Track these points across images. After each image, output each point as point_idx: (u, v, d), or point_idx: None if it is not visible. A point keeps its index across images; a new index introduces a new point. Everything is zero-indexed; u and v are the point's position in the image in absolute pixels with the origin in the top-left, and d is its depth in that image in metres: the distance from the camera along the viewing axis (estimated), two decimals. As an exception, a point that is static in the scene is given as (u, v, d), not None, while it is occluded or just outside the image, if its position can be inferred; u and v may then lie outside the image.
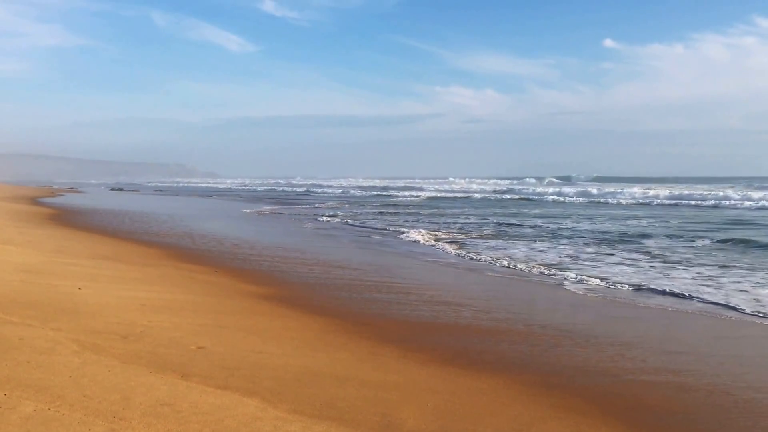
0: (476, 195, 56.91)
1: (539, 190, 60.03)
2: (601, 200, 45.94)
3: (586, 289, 10.70)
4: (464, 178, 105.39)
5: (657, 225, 24.21)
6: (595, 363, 6.32)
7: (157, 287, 9.08)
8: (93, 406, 4.04)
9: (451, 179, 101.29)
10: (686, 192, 47.14)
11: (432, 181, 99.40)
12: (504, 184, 77.53)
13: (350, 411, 4.49)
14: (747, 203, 37.32)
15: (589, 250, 16.36)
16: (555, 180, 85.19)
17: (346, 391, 4.95)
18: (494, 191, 61.93)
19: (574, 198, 49.13)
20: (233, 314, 7.69)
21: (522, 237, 19.88)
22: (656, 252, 15.71)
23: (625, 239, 18.89)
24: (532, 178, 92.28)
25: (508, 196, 54.12)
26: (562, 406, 4.99)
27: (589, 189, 55.37)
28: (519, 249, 16.50)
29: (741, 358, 6.76)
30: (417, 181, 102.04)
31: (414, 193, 62.58)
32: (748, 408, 5.16)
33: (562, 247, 17.02)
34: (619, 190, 50.78)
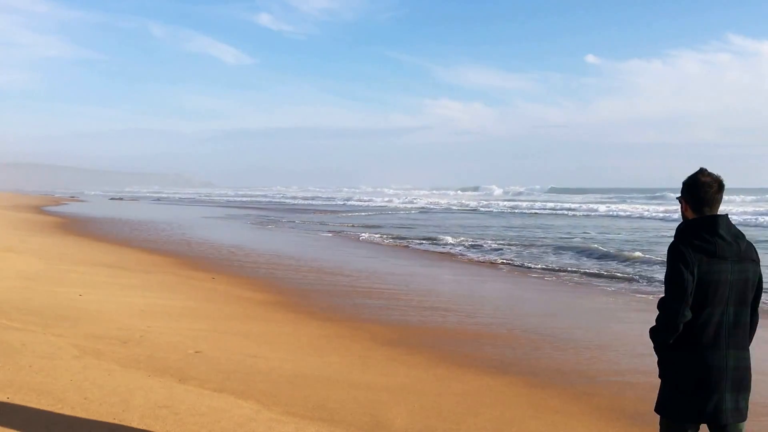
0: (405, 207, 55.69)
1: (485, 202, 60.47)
2: (526, 211, 44.78)
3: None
4: (431, 190, 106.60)
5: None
6: (573, 365, 6.54)
7: (155, 293, 9.27)
8: (93, 408, 4.22)
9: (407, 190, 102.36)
10: (622, 206, 46.16)
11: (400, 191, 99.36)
12: (463, 195, 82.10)
13: (341, 412, 4.68)
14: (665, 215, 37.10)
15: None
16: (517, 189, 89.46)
17: (337, 393, 5.14)
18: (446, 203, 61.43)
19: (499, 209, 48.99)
20: (229, 319, 7.88)
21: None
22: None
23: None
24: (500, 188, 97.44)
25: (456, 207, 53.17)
26: (541, 406, 5.20)
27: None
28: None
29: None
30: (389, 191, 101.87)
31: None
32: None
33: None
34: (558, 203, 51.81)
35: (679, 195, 3.01)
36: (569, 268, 14.22)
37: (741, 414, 2.85)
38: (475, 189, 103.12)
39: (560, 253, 17.07)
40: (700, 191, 2.88)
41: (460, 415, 4.81)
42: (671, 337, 2.83)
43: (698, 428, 2.91)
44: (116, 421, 4.05)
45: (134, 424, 4.03)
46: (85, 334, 6.30)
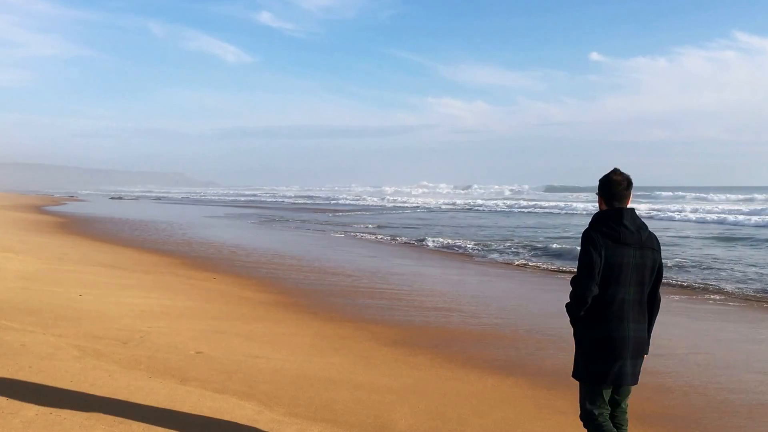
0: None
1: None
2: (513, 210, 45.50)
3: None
4: (434, 188, 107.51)
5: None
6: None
7: (156, 294, 9.22)
8: (94, 410, 4.18)
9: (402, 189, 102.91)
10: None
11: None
12: (464, 194, 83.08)
13: (345, 413, 4.64)
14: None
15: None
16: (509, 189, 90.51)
17: (341, 394, 5.10)
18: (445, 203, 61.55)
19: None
20: (231, 320, 7.83)
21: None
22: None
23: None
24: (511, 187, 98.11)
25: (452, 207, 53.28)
26: (547, 407, 5.15)
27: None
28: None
29: (715, 360, 6.94)
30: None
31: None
32: (722, 408, 5.35)
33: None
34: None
35: (597, 191, 3.48)
36: (568, 268, 14.17)
37: (636, 378, 3.39)
38: (467, 187, 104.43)
39: (561, 253, 17.02)
40: (612, 188, 3.38)
41: (464, 417, 4.77)
42: (582, 309, 3.29)
43: (609, 389, 3.37)
44: (116, 423, 4.01)
45: (135, 426, 4.00)
46: (85, 334, 6.26)
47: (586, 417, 3.42)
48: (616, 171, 3.43)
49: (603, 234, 3.27)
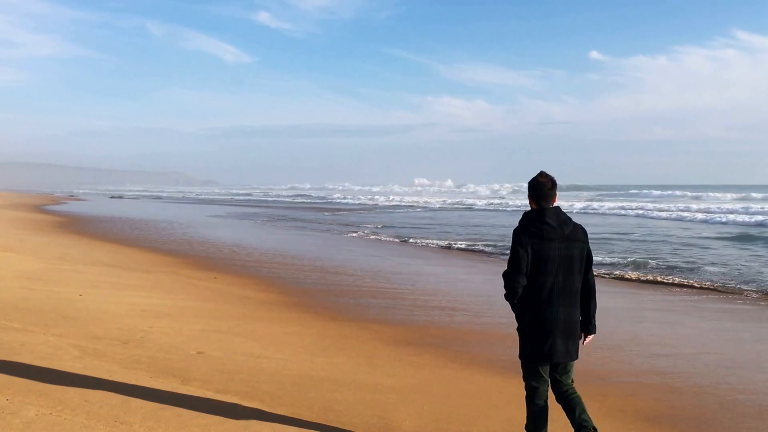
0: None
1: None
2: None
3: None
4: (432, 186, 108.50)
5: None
6: (584, 365, 6.37)
7: (157, 293, 9.17)
8: (94, 410, 4.14)
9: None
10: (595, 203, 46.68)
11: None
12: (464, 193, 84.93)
13: (348, 414, 4.59)
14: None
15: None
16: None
17: (344, 394, 5.05)
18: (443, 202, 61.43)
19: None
20: (232, 320, 7.78)
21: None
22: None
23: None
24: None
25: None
26: (553, 407, 5.06)
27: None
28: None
29: (725, 360, 6.87)
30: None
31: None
32: (732, 409, 5.28)
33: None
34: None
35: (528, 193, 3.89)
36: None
37: (570, 355, 3.76)
38: (459, 186, 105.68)
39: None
40: (538, 189, 3.78)
41: (469, 417, 4.71)
42: (514, 298, 3.75)
43: (546, 367, 3.79)
44: (117, 423, 3.96)
45: (136, 426, 3.95)
46: (86, 334, 6.21)
47: (528, 390, 3.89)
48: (542, 174, 3.84)
49: (529, 233, 3.68)
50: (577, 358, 3.82)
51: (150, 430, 3.92)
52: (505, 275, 3.75)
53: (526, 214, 3.82)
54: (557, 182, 3.87)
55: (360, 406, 4.77)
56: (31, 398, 4.24)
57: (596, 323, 3.90)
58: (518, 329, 3.85)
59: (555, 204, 3.82)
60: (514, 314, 3.89)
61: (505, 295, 3.80)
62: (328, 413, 4.56)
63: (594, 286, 3.89)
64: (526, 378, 3.91)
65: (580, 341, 3.86)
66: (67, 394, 4.37)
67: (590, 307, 3.86)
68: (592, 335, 3.90)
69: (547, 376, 3.86)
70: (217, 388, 4.90)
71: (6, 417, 3.90)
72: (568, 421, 4.27)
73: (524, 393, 3.98)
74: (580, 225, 3.86)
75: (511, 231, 3.83)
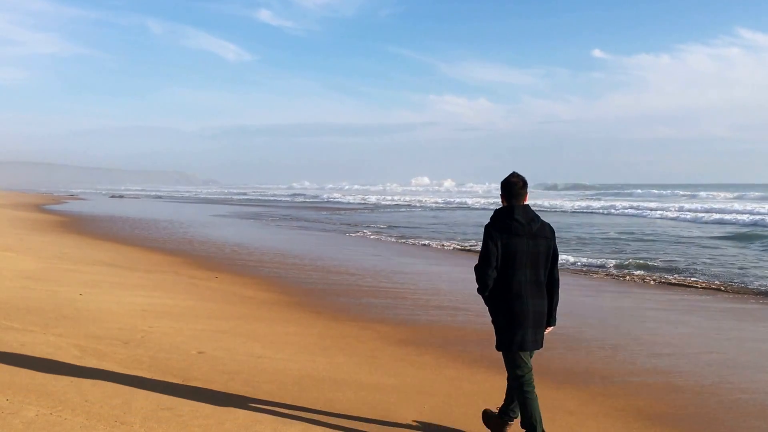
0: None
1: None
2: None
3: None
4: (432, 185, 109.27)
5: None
6: (587, 365, 6.40)
7: (158, 293, 9.15)
8: (95, 410, 4.12)
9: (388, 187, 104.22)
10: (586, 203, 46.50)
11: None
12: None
13: (349, 414, 4.56)
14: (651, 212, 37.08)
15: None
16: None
17: (345, 394, 5.04)
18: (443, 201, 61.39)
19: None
20: (233, 319, 7.76)
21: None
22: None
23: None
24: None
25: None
26: (555, 407, 5.05)
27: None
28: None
29: (727, 359, 6.85)
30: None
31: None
32: (734, 408, 5.27)
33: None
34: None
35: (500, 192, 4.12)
36: (569, 268, 14.07)
37: (537, 344, 4.03)
38: (460, 185, 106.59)
39: (562, 252, 16.94)
40: (510, 188, 4.02)
41: (471, 417, 4.69)
42: (486, 291, 4.00)
43: (526, 354, 4.01)
44: (118, 423, 3.94)
45: (136, 427, 3.94)
46: (86, 334, 6.20)
47: (515, 379, 4.04)
48: (513, 174, 4.07)
49: (498, 228, 3.94)
50: (542, 347, 4.07)
51: (150, 430, 3.91)
52: (476, 269, 3.98)
53: (497, 211, 4.06)
54: (528, 182, 4.10)
55: (361, 406, 4.76)
56: (31, 398, 4.23)
57: (557, 316, 4.14)
58: (493, 321, 4.07)
59: (525, 202, 4.04)
60: (487, 307, 4.10)
61: (477, 288, 4.02)
62: (329, 413, 4.54)
63: (558, 281, 4.10)
64: (510, 369, 4.06)
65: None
66: (67, 394, 4.36)
67: (553, 301, 4.09)
68: (552, 327, 4.13)
69: (529, 363, 4.04)
70: (218, 388, 4.89)
71: (6, 417, 3.89)
72: (563, 425, 4.28)
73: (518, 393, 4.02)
74: (547, 223, 4.11)
75: None
